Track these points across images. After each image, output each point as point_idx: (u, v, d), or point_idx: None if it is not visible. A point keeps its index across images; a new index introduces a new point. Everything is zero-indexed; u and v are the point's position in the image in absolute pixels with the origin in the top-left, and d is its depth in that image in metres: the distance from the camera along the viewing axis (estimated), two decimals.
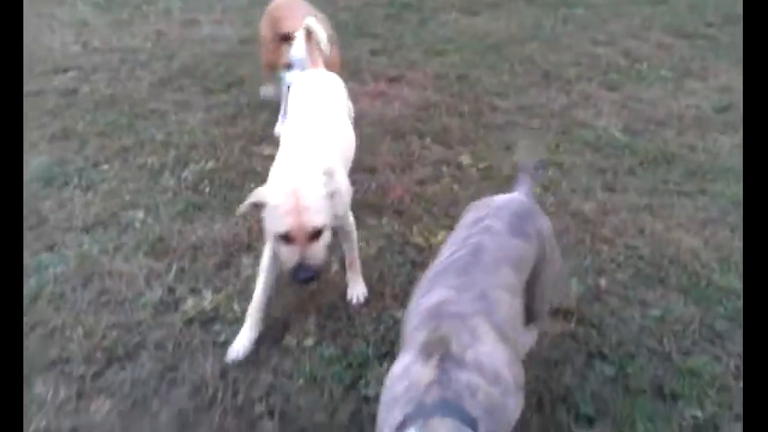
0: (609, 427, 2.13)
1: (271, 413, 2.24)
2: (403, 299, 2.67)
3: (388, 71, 5.13)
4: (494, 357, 1.56)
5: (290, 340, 2.56)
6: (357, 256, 2.75)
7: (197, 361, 2.44)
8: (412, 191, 3.51)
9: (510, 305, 1.76)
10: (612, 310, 2.64)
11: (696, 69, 5.25)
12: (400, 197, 3.43)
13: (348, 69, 4.60)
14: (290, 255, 2.21)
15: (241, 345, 2.48)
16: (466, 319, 1.62)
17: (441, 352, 1.52)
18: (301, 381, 2.36)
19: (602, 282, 2.78)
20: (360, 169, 3.61)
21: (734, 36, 5.82)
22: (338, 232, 2.60)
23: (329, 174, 2.30)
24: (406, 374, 1.51)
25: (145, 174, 3.75)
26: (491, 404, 1.47)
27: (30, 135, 4.26)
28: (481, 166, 3.73)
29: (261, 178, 3.63)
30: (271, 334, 2.58)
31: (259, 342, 2.53)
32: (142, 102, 4.70)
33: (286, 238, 2.19)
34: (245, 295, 2.68)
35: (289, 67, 3.67)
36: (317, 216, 2.19)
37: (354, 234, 2.70)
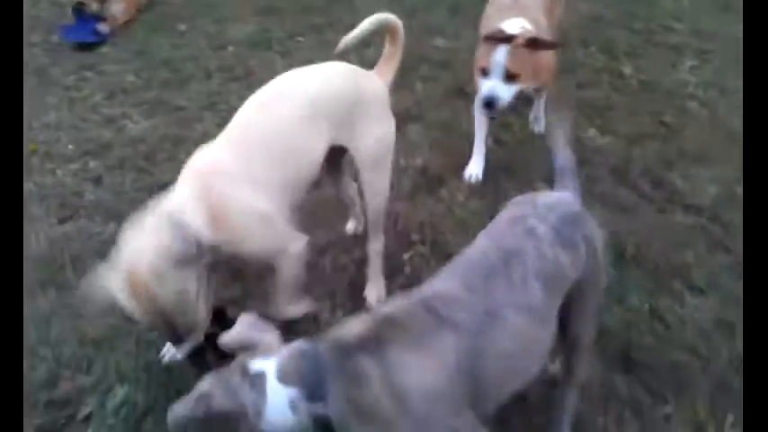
0: (718, 301, 2.37)
1: (423, 241, 2.71)
2: (547, 179, 3.00)
3: None
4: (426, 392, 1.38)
5: (443, 194, 2.99)
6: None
7: None
8: (569, 93, 3.72)
9: (519, 333, 1.51)
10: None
11: None
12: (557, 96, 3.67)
13: None
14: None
15: None
16: (443, 323, 1.43)
17: (380, 330, 1.40)
18: (451, 222, 2.79)
19: (739, 190, 2.90)
20: None
21: None
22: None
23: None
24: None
25: (332, 48, 4.24)
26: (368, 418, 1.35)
27: (240, 10, 4.92)
28: (642, 77, 3.84)
29: (430, 63, 4.04)
30: (427, 186, 3.02)
31: (415, 192, 2.99)
32: None
33: None
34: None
35: (484, 72, 2.77)
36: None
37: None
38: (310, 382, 1.36)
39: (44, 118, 3.60)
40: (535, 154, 3.20)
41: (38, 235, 2.74)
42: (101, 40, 4.39)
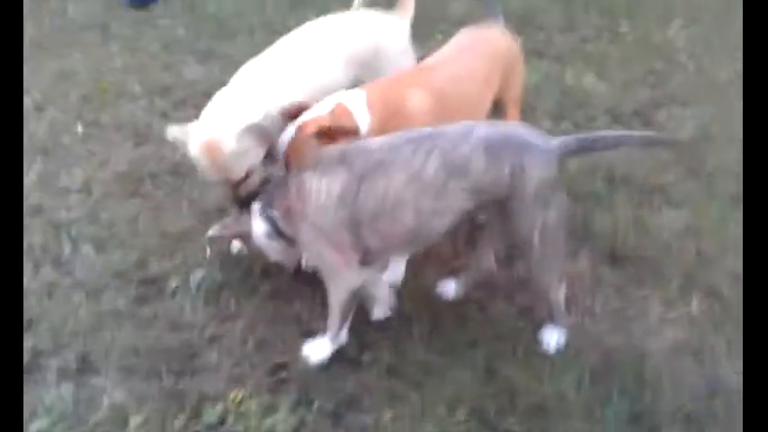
0: (689, 212, 2.68)
1: None
2: (556, 116, 3.30)
3: None
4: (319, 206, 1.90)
5: None
6: None
7: None
8: (572, 46, 3.99)
9: (396, 189, 1.84)
10: None
11: None
12: (560, 49, 3.94)
13: None
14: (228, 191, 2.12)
15: None
16: (342, 163, 1.88)
17: (309, 161, 1.95)
18: None
19: (714, 128, 3.18)
20: (530, 25, 4.13)
21: None
22: None
23: (250, 131, 2.03)
24: None
25: None
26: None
27: None
28: (637, 34, 4.09)
29: (449, 22, 4.27)
30: None
31: None
32: None
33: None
34: None
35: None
36: (238, 170, 2.02)
37: None
38: (266, 196, 2.02)
39: (110, 63, 3.89)
40: (542, 94, 3.49)
41: (118, 156, 3.07)
42: (151, 1, 4.65)
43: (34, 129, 3.25)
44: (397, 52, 2.53)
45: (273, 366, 2.10)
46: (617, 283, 2.38)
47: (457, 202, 1.88)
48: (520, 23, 3.97)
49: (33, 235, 2.58)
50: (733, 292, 2.26)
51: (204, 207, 2.73)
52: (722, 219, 2.62)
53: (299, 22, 2.51)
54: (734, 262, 2.36)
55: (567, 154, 1.95)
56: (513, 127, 2.00)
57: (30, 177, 2.91)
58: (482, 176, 1.85)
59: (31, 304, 2.30)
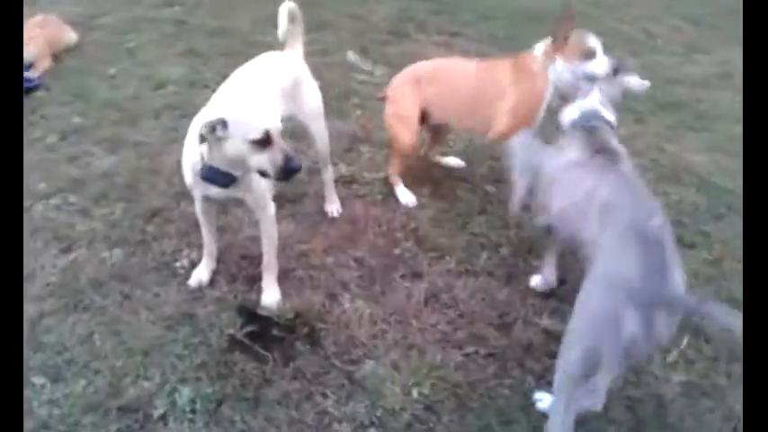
0: None
1: (407, 237, 3.00)
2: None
3: (450, 27, 5.85)
4: None
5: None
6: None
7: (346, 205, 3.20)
8: None
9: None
10: None
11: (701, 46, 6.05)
12: None
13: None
14: (272, 156, 2.15)
15: (202, 274, 2.66)
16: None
17: None
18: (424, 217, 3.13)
19: None
20: None
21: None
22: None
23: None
24: None
25: None
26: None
27: (163, 52, 4.95)
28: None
29: (358, 96, 4.37)
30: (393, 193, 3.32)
31: (386, 198, 3.27)
32: (247, 34, 5.37)
33: (264, 142, 2.14)
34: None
35: None
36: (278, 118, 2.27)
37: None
38: None
39: None
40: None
41: (44, 266, 2.66)
42: (33, 87, 4.22)
43: None
44: (307, 82, 2.96)
45: None
46: None
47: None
48: None
49: None
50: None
51: (165, 313, 2.45)
52: None
53: (205, 100, 2.40)
54: None
55: None
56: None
57: None
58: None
59: None
